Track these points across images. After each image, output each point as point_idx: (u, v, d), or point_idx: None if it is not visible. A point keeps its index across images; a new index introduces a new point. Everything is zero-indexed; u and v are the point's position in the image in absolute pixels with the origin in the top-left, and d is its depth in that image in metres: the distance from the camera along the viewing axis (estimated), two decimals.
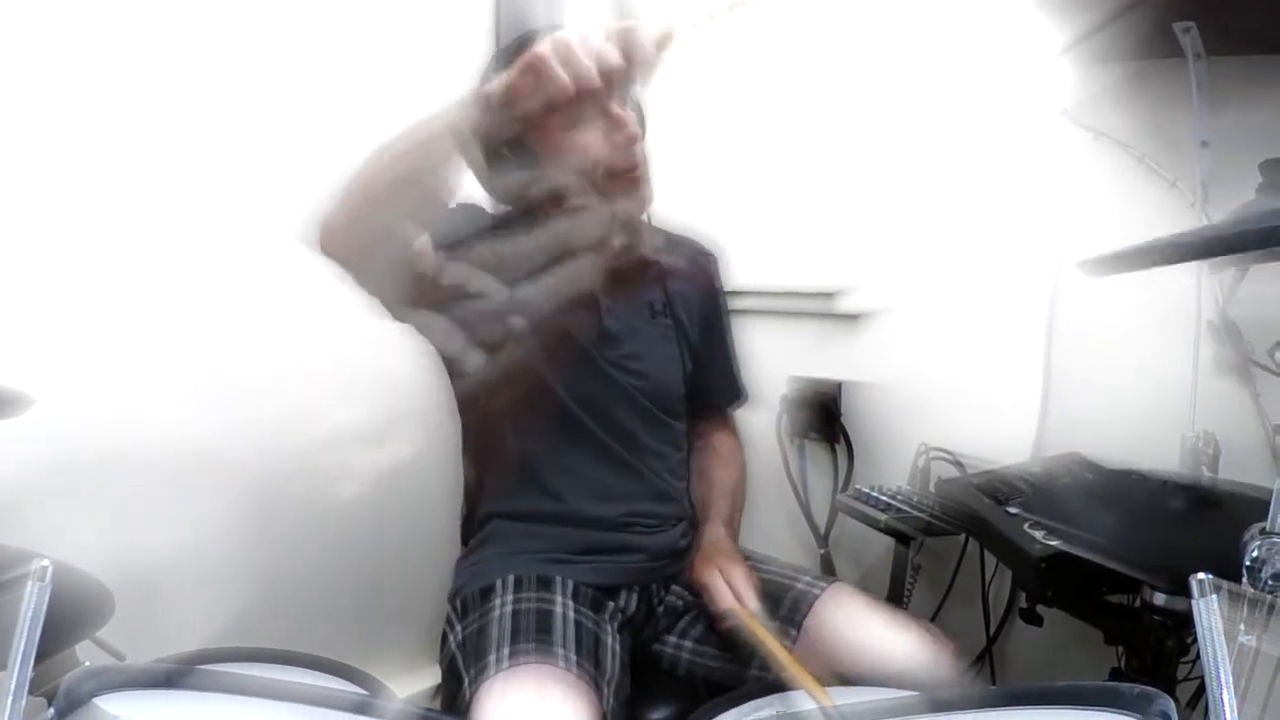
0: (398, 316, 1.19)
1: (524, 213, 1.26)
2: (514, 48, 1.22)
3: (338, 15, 1.83)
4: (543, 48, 0.91)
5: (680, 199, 1.59)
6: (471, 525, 1.43)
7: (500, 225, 1.27)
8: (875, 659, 1.17)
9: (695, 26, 0.94)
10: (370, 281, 1.12)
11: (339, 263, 1.06)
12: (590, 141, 1.19)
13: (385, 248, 1.06)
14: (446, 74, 1.93)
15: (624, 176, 1.20)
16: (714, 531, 1.42)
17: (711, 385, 1.54)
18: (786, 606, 1.30)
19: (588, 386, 1.32)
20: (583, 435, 1.33)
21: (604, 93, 1.09)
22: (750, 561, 1.38)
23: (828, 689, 1.03)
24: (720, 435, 1.59)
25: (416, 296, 1.14)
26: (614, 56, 0.90)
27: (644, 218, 1.30)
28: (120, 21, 1.53)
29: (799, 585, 1.33)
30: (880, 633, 1.24)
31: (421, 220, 1.06)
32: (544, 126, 1.16)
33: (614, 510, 1.35)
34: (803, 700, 1.03)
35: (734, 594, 1.28)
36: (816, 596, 1.31)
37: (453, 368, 1.35)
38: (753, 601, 1.26)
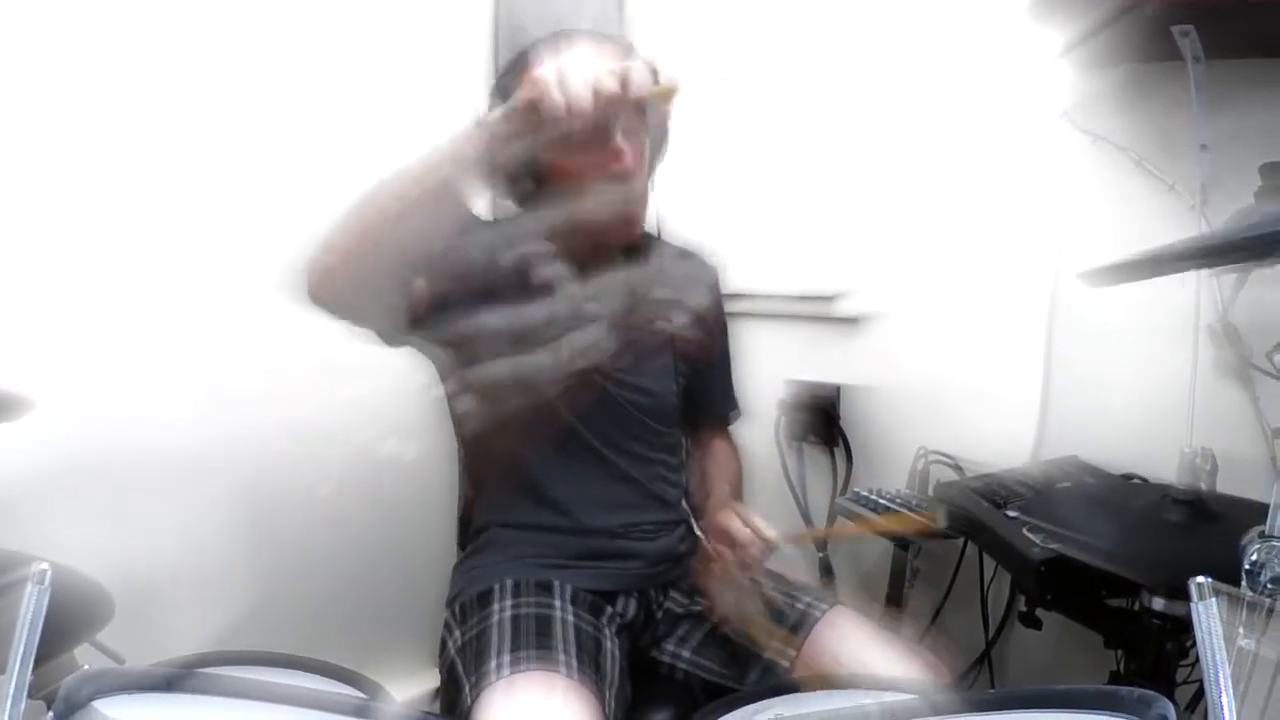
0: (392, 345, 1.21)
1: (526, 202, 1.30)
2: (512, 68, 1.23)
3: (342, 27, 1.84)
4: (543, 70, 0.93)
5: (678, 203, 1.59)
6: (469, 532, 1.43)
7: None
8: (871, 685, 1.12)
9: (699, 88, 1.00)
10: (367, 319, 1.14)
11: (332, 308, 1.06)
12: (588, 167, 1.20)
13: (387, 283, 1.08)
14: (444, 88, 1.97)
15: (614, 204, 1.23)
16: (718, 503, 1.38)
17: (709, 397, 1.54)
18: (787, 626, 1.28)
19: (585, 402, 1.31)
20: (581, 448, 1.33)
21: (604, 122, 1.13)
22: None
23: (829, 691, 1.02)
24: (717, 440, 1.58)
25: (413, 324, 1.16)
26: (610, 85, 0.93)
27: (647, 233, 1.33)
28: (130, 27, 1.54)
29: (799, 604, 1.32)
30: (877, 661, 1.21)
31: (425, 252, 1.07)
32: (547, 148, 1.16)
33: (613, 519, 1.35)
34: (800, 703, 1.02)
35: (752, 528, 1.24)
36: (817, 619, 1.29)
37: (449, 392, 1.35)
38: (770, 531, 1.24)
